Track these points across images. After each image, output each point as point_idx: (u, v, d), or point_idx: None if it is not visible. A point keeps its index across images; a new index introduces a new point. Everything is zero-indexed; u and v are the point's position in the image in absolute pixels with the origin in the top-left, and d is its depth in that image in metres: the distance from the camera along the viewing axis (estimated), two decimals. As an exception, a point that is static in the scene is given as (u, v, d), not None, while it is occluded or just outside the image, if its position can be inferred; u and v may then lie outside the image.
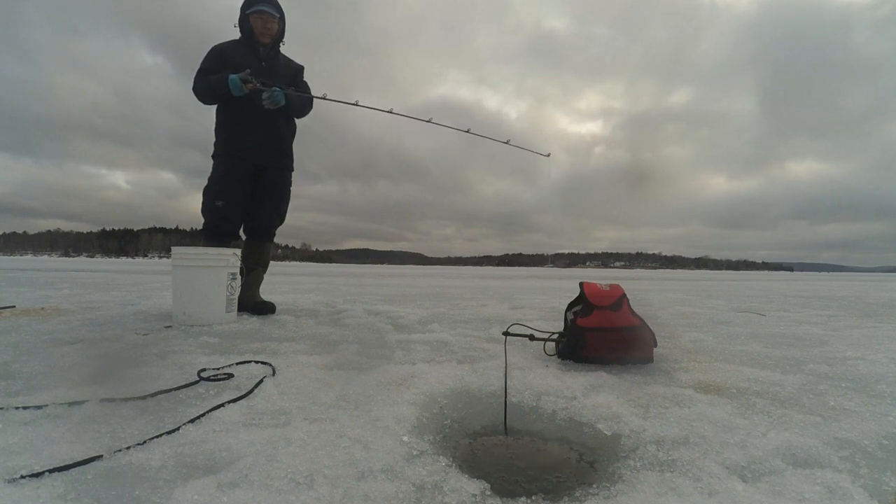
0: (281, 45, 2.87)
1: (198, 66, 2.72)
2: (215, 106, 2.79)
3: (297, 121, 2.98)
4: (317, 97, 2.83)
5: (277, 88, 2.62)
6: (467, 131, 3.01)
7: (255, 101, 2.66)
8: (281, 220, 2.99)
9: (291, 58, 2.95)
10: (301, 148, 3.00)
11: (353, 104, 2.75)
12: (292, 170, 2.99)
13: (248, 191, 2.82)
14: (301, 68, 2.93)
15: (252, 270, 2.90)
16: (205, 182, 2.79)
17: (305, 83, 2.93)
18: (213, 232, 2.74)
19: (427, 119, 2.87)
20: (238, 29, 2.77)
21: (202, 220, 2.79)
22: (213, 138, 2.83)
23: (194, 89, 2.69)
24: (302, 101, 2.83)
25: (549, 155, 3.08)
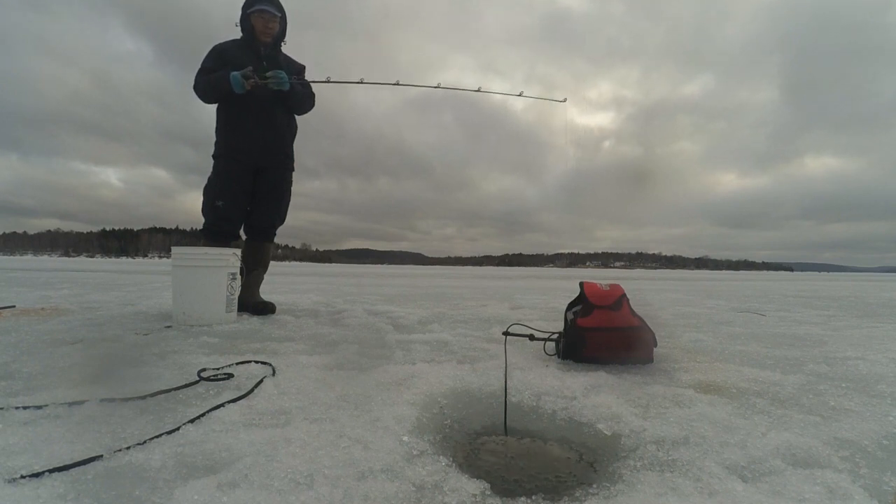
0: (282, 44, 2.87)
1: (198, 66, 2.72)
2: (213, 104, 2.78)
3: (296, 118, 2.98)
4: (320, 81, 2.80)
5: (281, 70, 2.62)
6: (478, 90, 2.97)
7: (255, 101, 2.66)
8: (281, 220, 2.99)
9: (291, 53, 2.94)
10: (298, 142, 3.00)
11: (358, 82, 2.74)
12: (293, 170, 2.99)
13: (248, 191, 2.82)
14: (303, 68, 2.92)
15: (252, 270, 2.90)
16: (200, 180, 2.81)
17: (307, 83, 2.93)
18: (214, 232, 2.75)
19: (435, 85, 2.84)
20: (239, 28, 2.77)
21: (202, 220, 2.80)
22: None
23: (195, 88, 2.69)
24: (304, 93, 2.82)
25: (565, 100, 3.06)
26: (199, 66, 2.73)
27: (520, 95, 2.96)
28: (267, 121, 2.75)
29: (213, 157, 2.80)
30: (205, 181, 2.81)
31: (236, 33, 2.80)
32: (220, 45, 2.75)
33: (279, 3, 2.77)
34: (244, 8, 2.72)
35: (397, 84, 2.81)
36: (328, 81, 2.79)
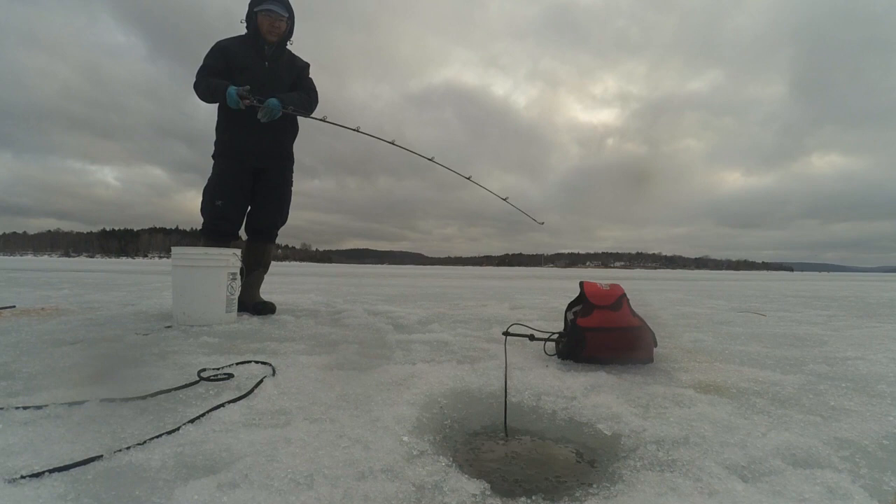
0: (289, 43, 2.84)
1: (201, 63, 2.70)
2: (215, 104, 2.78)
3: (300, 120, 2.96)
4: (315, 118, 2.80)
5: (274, 100, 2.58)
6: (468, 177, 3.04)
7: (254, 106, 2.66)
8: (283, 220, 2.98)
9: (298, 54, 2.92)
10: (296, 140, 2.99)
11: (322, 119, 2.76)
12: (293, 171, 2.98)
13: (248, 191, 2.81)
14: (306, 66, 2.90)
15: (253, 271, 2.90)
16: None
17: (311, 80, 2.91)
18: (213, 232, 2.74)
19: (427, 158, 2.92)
20: (245, 25, 2.75)
21: (201, 221, 2.79)
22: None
23: (195, 87, 2.67)
24: (304, 100, 2.81)
25: (542, 223, 3.44)
26: (197, 61, 2.71)
27: (505, 200, 3.08)
28: (267, 122, 2.74)
29: (213, 157, 2.80)
30: (202, 179, 2.81)
31: (233, 27, 2.77)
32: (224, 41, 2.73)
33: (288, 3, 2.75)
34: (251, 5, 2.70)
35: (357, 130, 2.85)
36: (325, 119, 2.78)
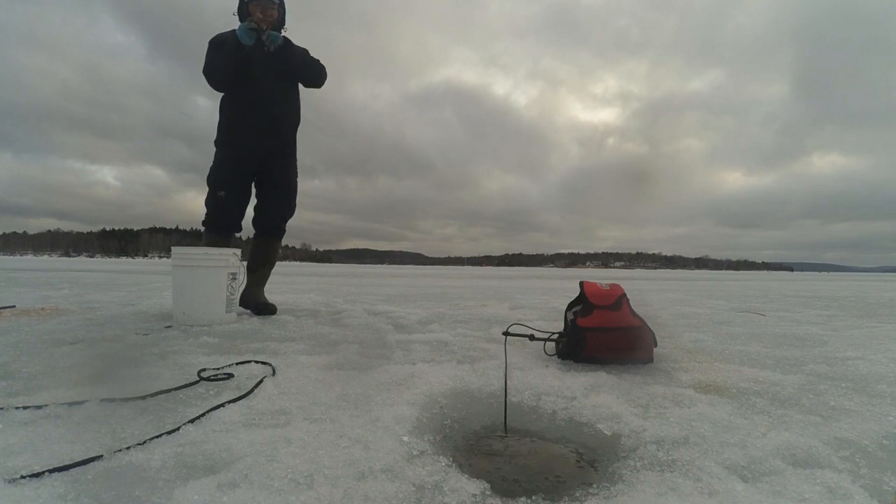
0: (283, 31, 2.85)
1: (203, 65, 2.70)
2: (222, 92, 2.77)
3: (300, 114, 2.96)
4: None
5: (278, 34, 2.66)
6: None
7: (258, 90, 2.66)
8: (291, 212, 2.97)
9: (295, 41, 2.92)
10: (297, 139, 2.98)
11: None
12: (296, 160, 2.98)
13: (250, 180, 2.81)
14: (305, 51, 2.90)
15: (258, 269, 2.90)
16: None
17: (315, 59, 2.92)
18: (215, 224, 2.73)
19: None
20: (237, 17, 2.75)
21: (204, 214, 2.78)
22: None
23: (209, 77, 2.67)
24: (312, 61, 2.82)
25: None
26: (197, 60, 2.71)
27: None
28: (270, 104, 2.73)
29: (215, 143, 2.79)
30: (202, 180, 2.81)
31: (231, 26, 2.78)
32: (219, 35, 2.72)
33: None
34: None
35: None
36: None
